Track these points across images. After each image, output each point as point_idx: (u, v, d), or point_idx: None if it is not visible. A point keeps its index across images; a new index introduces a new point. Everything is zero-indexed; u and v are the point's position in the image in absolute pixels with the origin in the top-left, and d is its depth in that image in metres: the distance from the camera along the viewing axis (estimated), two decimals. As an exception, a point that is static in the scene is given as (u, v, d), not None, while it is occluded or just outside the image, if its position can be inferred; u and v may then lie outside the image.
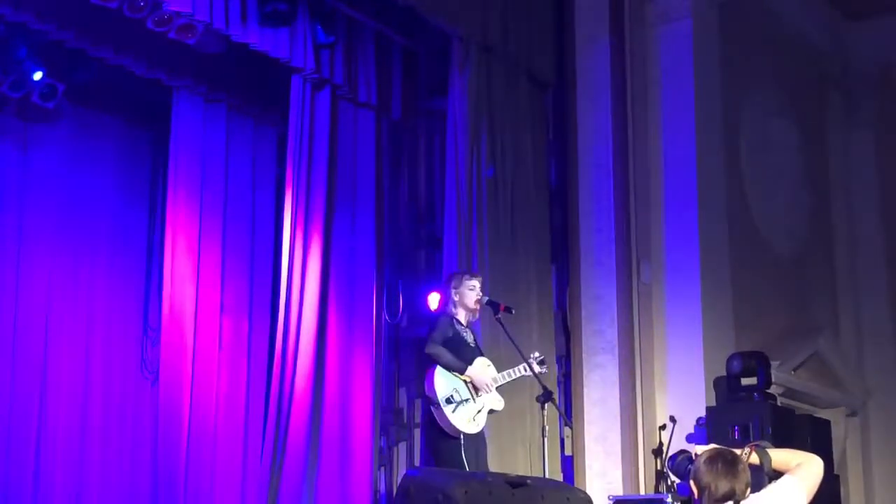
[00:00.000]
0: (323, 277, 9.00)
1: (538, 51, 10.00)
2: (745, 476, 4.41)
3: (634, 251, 9.86)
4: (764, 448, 4.57)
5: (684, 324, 9.78)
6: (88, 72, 9.04)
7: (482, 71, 9.38)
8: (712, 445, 4.55)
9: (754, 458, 4.52)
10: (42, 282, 9.19)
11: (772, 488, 4.52)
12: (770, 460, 4.55)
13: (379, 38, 9.43)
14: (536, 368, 7.51)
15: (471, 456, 7.15)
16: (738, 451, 4.47)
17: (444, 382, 7.17)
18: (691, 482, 4.45)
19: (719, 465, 4.37)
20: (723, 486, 4.34)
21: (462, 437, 7.13)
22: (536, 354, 7.67)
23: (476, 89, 9.27)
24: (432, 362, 7.28)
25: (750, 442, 4.65)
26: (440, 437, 7.20)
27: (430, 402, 7.23)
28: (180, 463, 9.00)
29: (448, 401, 7.12)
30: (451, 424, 7.11)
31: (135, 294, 9.89)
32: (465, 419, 7.15)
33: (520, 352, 7.46)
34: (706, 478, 4.36)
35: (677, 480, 9.04)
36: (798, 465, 4.61)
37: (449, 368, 7.22)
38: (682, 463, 4.91)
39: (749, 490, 4.40)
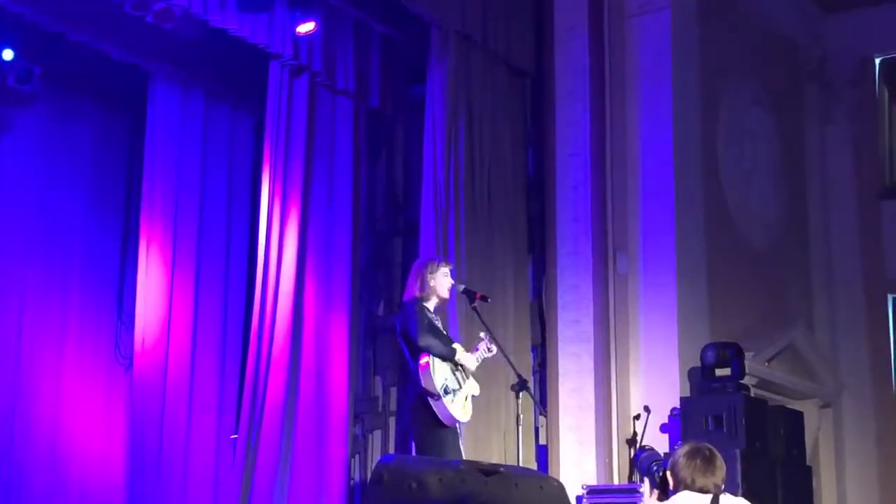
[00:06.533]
0: (299, 264, 8.98)
1: (517, 41, 10.01)
2: (722, 472, 4.46)
3: (611, 242, 9.88)
4: None
5: (659, 314, 9.81)
6: (66, 56, 8.99)
7: (461, 60, 9.39)
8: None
9: None
10: (16, 266, 9.15)
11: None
12: None
13: (358, 25, 9.41)
14: (494, 348, 7.38)
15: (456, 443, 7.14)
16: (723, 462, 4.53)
17: (439, 374, 7.09)
18: (668, 474, 4.49)
19: (698, 461, 4.42)
20: (700, 481, 4.39)
21: (459, 426, 7.12)
22: (485, 333, 7.44)
23: (454, 78, 9.28)
24: (417, 354, 7.12)
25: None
26: (437, 429, 7.09)
27: (429, 396, 6.95)
28: (154, 449, 8.99)
29: (446, 391, 7.05)
30: (450, 415, 7.03)
31: (110, 280, 9.86)
32: (460, 407, 7.13)
33: (495, 341, 7.45)
34: (684, 472, 4.41)
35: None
36: None
37: (441, 357, 7.12)
38: (644, 461, 4.98)
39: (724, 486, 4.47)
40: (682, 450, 4.50)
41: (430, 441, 7.09)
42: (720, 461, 4.46)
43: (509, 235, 9.77)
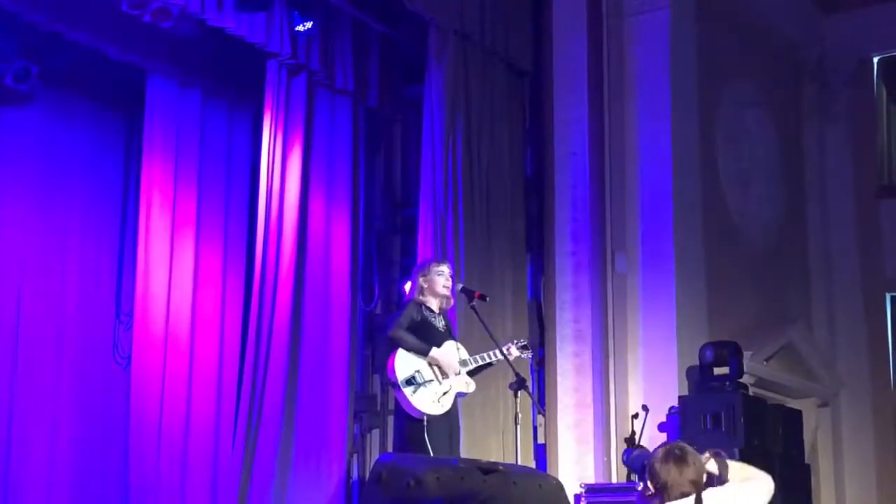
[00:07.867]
0: (298, 263, 8.98)
1: (515, 39, 10.01)
2: (697, 466, 4.43)
3: (609, 241, 9.89)
4: (724, 458, 4.56)
5: (658, 313, 9.81)
6: (63, 54, 8.99)
7: (459, 59, 9.38)
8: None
9: (712, 466, 4.51)
10: (14, 265, 9.13)
11: (736, 490, 4.53)
12: (727, 470, 4.54)
13: (357, 24, 9.41)
14: (515, 353, 7.57)
15: (439, 439, 7.12)
16: (699, 456, 4.49)
17: (404, 364, 7.18)
18: (649, 482, 4.48)
19: (671, 463, 4.40)
20: (679, 483, 4.38)
21: (426, 419, 7.12)
22: (520, 340, 7.76)
23: (453, 77, 9.27)
24: (394, 346, 7.27)
25: (713, 449, 4.63)
26: (404, 419, 7.22)
27: (390, 385, 7.25)
28: (152, 447, 8.98)
29: (408, 382, 7.12)
30: (412, 406, 7.11)
31: (108, 279, 9.84)
32: (428, 400, 7.14)
33: (493, 339, 7.46)
34: (662, 476, 4.40)
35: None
36: (750, 478, 4.59)
37: (412, 351, 7.22)
38: (636, 459, 4.96)
39: (705, 479, 4.44)
40: (654, 457, 4.49)
41: (397, 430, 7.32)
42: (693, 456, 4.44)
43: (508, 234, 9.77)
